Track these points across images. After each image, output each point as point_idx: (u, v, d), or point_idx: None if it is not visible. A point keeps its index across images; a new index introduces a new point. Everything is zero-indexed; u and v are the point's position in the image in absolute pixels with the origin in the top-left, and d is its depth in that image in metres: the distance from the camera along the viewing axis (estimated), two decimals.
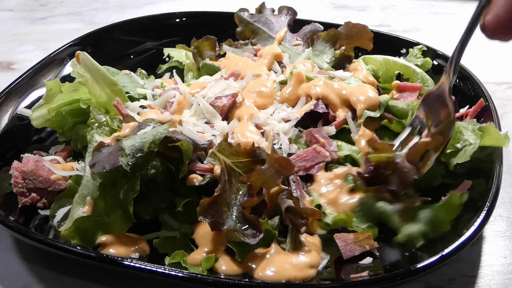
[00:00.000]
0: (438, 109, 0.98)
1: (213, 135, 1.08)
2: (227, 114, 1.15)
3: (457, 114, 1.18)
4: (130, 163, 0.89)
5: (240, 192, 0.92)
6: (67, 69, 1.34)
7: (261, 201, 0.97)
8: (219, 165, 0.95)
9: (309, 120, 1.16)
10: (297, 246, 0.92)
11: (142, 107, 1.15)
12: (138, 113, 1.11)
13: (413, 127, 1.04)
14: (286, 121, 1.13)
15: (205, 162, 0.98)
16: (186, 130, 1.01)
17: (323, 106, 1.16)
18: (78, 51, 1.12)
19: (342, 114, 1.16)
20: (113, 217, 0.95)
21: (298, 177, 1.04)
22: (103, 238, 0.93)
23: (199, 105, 1.13)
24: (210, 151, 0.97)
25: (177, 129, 0.99)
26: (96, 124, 1.07)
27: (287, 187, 0.96)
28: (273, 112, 1.16)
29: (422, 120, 1.02)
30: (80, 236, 0.92)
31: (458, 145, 1.04)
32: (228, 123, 1.11)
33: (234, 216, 0.90)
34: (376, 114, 1.14)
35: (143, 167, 0.93)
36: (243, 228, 0.89)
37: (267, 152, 0.96)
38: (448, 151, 1.06)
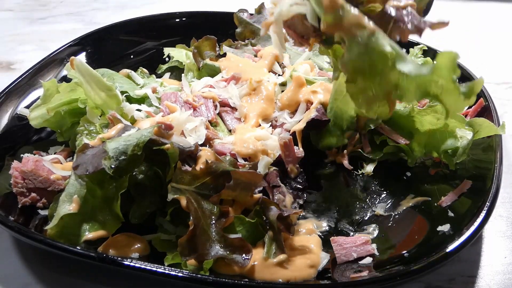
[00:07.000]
0: None
1: None
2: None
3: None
4: (113, 166, 0.87)
5: (214, 215, 0.89)
6: None
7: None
8: (184, 197, 0.90)
9: (312, 127, 1.16)
10: (281, 250, 0.90)
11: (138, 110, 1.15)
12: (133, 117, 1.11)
13: None
14: (288, 131, 1.14)
15: (168, 198, 0.90)
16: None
17: (324, 112, 1.15)
18: (72, 57, 1.12)
19: None
20: (101, 216, 0.93)
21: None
22: (89, 235, 0.91)
23: None
24: (169, 186, 0.91)
25: (163, 133, 0.96)
26: (86, 132, 1.07)
27: (259, 196, 0.95)
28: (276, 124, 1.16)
29: None
30: (67, 236, 0.90)
31: (458, 144, 1.04)
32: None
33: (217, 243, 0.87)
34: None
35: (127, 171, 0.90)
36: (229, 252, 0.86)
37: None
38: (449, 151, 1.07)
